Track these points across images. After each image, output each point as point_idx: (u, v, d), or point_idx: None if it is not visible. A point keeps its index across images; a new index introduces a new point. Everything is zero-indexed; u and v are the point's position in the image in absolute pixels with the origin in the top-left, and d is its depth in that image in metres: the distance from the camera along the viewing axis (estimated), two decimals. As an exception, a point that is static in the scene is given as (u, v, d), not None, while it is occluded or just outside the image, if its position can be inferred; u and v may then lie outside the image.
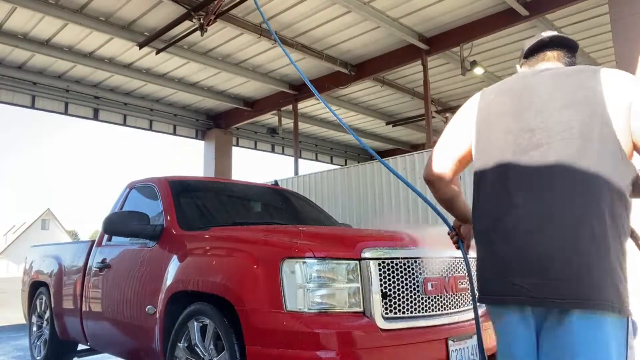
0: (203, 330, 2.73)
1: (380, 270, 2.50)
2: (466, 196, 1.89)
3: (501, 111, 1.64)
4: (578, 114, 1.47)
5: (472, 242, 1.81)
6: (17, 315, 7.27)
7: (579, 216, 1.40)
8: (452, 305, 2.73)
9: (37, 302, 5.13)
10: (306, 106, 10.85)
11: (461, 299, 2.81)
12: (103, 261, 3.96)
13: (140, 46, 7.40)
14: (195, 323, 2.77)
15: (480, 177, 1.67)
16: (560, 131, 1.47)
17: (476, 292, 1.70)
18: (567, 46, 1.76)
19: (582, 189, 1.42)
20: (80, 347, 4.79)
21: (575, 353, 1.39)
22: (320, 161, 14.55)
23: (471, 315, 2.84)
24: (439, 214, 2.28)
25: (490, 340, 2.87)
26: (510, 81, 1.74)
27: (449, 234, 2.17)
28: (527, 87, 1.63)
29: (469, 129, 1.73)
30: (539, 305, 1.46)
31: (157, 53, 7.61)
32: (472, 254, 2.37)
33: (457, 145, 1.79)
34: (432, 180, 1.91)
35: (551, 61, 1.74)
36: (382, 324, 2.40)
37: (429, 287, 2.62)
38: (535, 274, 1.45)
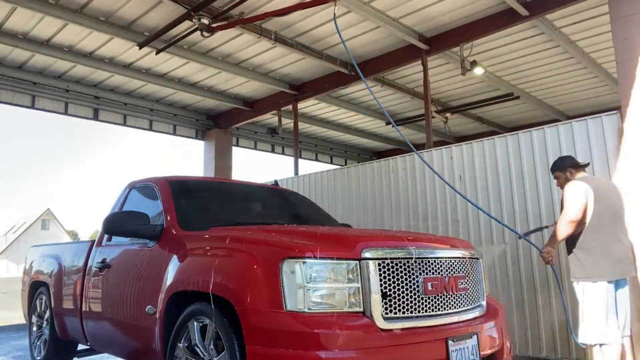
0: (203, 330, 2.73)
1: (380, 270, 2.50)
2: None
3: (605, 195, 3.88)
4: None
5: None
6: (17, 315, 7.26)
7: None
8: (452, 305, 2.73)
9: (37, 302, 5.13)
10: (306, 106, 10.84)
11: (461, 299, 2.81)
12: (103, 261, 3.96)
13: (140, 46, 7.39)
14: (195, 323, 2.77)
15: (598, 223, 3.80)
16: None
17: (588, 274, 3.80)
18: None
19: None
20: (80, 347, 4.79)
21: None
22: (320, 161, 14.55)
23: (471, 315, 2.85)
24: (526, 239, 4.67)
25: (488, 341, 2.88)
26: (598, 180, 4.15)
27: (541, 255, 4.21)
28: (608, 185, 4.08)
29: (588, 201, 3.82)
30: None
31: (157, 53, 7.60)
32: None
33: (584, 207, 3.83)
34: (577, 222, 3.83)
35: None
36: (382, 324, 2.40)
37: (429, 287, 2.62)
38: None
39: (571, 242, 3.96)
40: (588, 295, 3.76)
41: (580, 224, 3.82)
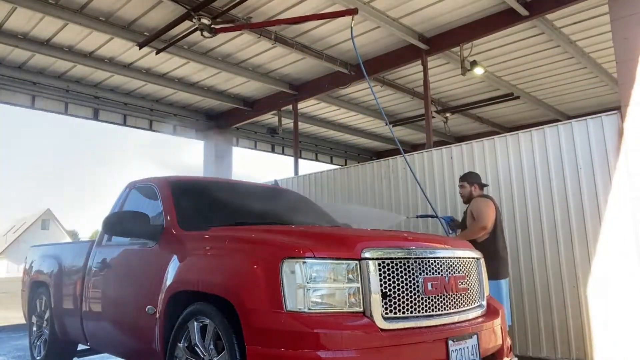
0: (203, 330, 2.73)
1: (380, 270, 2.50)
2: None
3: (498, 211, 4.77)
4: None
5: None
6: (17, 315, 7.26)
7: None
8: (452, 305, 2.73)
9: (37, 302, 5.12)
10: (306, 106, 10.84)
11: (461, 299, 2.81)
12: (103, 261, 3.96)
13: (140, 46, 7.39)
14: (195, 323, 2.77)
15: (498, 234, 4.68)
16: None
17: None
18: None
19: None
20: (80, 347, 4.79)
21: None
22: (320, 161, 14.55)
23: (471, 315, 2.84)
24: (438, 216, 5.05)
25: (488, 341, 2.88)
26: (492, 198, 4.84)
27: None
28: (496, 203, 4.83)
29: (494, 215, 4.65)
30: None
31: (157, 53, 7.60)
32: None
33: (493, 220, 4.64)
34: (487, 230, 4.61)
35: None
36: (382, 324, 2.40)
37: (429, 287, 2.62)
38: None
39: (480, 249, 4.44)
40: (498, 291, 4.44)
41: (485, 234, 4.60)
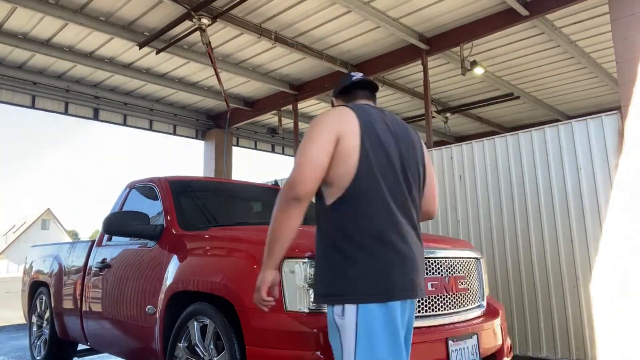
0: (203, 330, 2.73)
1: (380, 270, 2.50)
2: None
3: (382, 140, 1.89)
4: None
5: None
6: (17, 315, 7.27)
7: None
8: (452, 305, 2.73)
9: (37, 302, 5.13)
10: (306, 106, 10.84)
11: (461, 299, 2.81)
12: (103, 261, 3.96)
13: (140, 46, 7.39)
14: (195, 323, 2.77)
15: (363, 192, 1.81)
16: None
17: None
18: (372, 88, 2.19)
19: None
20: (81, 347, 4.80)
21: None
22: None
23: (471, 315, 2.84)
24: None
25: (488, 341, 2.88)
26: (369, 111, 1.99)
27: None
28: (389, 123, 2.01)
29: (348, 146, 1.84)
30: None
31: (157, 53, 7.60)
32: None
33: (328, 160, 1.81)
34: (306, 198, 1.90)
35: (363, 100, 2.14)
36: (382, 324, 2.40)
37: (429, 287, 2.62)
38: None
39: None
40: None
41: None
